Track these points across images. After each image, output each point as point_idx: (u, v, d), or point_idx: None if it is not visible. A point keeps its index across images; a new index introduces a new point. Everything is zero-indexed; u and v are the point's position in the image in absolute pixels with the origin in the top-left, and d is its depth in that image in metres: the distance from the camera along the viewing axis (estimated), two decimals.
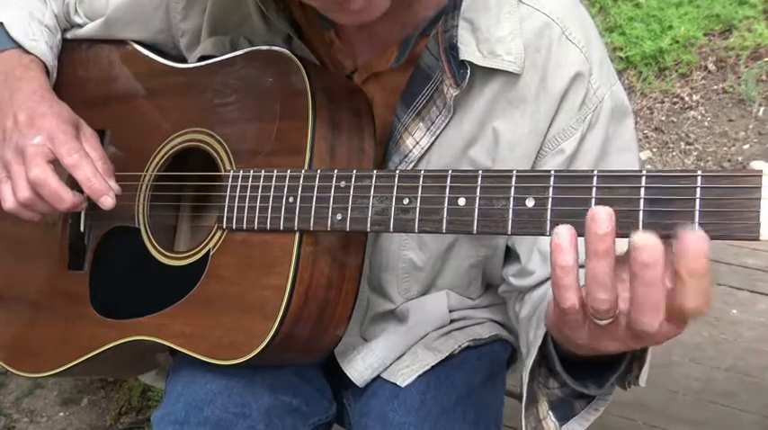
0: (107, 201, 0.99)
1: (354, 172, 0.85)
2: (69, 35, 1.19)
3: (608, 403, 0.88)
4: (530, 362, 0.85)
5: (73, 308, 1.10)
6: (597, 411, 0.88)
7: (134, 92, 1.13)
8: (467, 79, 0.90)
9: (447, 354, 1.09)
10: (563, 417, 0.87)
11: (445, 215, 0.78)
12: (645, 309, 0.62)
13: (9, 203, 1.00)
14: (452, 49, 0.91)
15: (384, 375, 1.08)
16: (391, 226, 0.82)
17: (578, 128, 0.94)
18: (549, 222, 0.71)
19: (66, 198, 0.98)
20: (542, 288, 0.97)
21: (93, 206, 1.03)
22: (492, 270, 1.08)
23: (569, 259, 0.63)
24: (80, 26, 1.18)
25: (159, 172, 1.05)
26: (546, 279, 0.97)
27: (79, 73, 1.18)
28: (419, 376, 1.06)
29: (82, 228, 1.12)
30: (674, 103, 2.63)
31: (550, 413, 0.87)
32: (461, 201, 0.77)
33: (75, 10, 1.16)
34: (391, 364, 1.09)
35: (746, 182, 0.64)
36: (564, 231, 0.63)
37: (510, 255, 1.03)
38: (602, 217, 0.61)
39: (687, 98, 2.61)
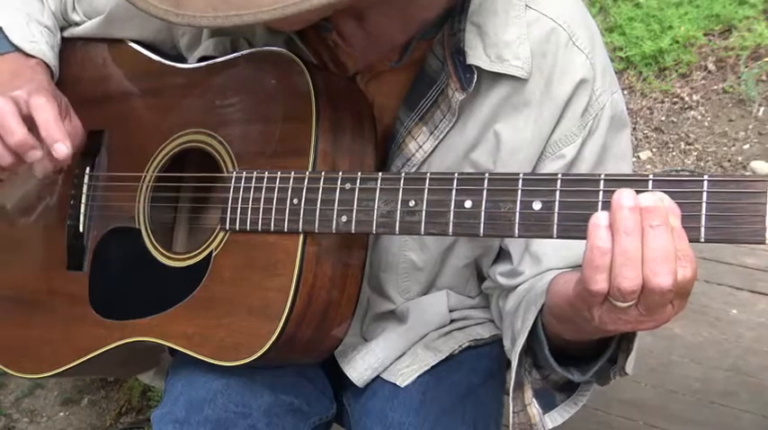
0: (61, 149, 0.96)
1: (359, 174, 0.85)
2: (66, 33, 1.18)
3: (586, 398, 0.93)
4: (518, 348, 0.88)
5: (72, 308, 1.10)
6: (576, 405, 0.93)
7: (134, 92, 1.12)
8: (473, 84, 0.91)
9: (447, 354, 1.09)
10: (545, 406, 0.91)
11: (452, 217, 0.78)
12: (660, 266, 0.65)
13: None
14: (459, 53, 0.91)
15: (384, 375, 1.08)
16: (397, 228, 0.82)
17: (579, 134, 0.94)
18: (555, 225, 0.72)
19: (18, 131, 0.94)
20: (529, 281, 0.98)
21: (92, 207, 1.03)
22: (482, 267, 1.09)
23: (606, 239, 0.66)
24: (77, 24, 1.17)
25: (160, 173, 1.05)
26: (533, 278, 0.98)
27: (77, 72, 1.17)
28: (419, 376, 1.07)
29: (81, 229, 1.11)
30: (674, 103, 2.63)
31: (534, 400, 0.90)
32: (468, 204, 0.77)
33: (74, 8, 1.16)
34: (391, 364, 1.09)
35: (753, 187, 0.65)
36: (601, 213, 0.66)
37: (501, 254, 1.04)
38: (628, 193, 0.65)
39: (687, 98, 2.61)
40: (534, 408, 0.90)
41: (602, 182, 0.70)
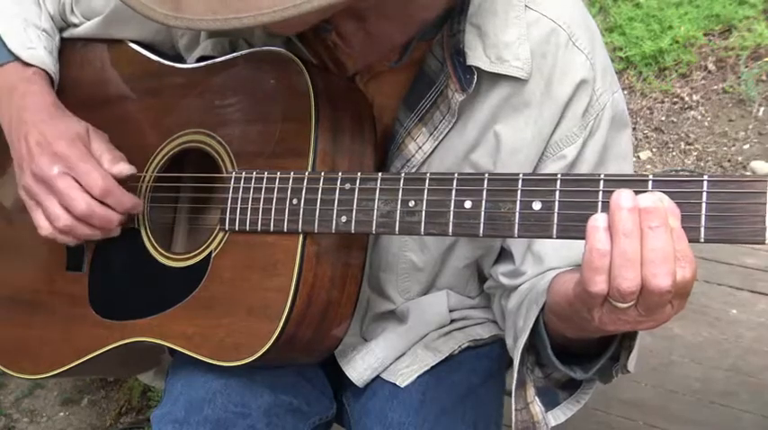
0: (139, 207, 1.02)
1: (359, 174, 0.85)
2: (65, 34, 1.18)
3: (589, 396, 0.93)
4: (520, 346, 0.88)
5: (72, 309, 1.10)
6: (579, 403, 0.93)
7: (133, 92, 1.12)
8: (473, 85, 0.91)
9: (447, 355, 1.09)
10: (548, 404, 0.92)
11: (451, 218, 0.78)
12: (659, 268, 0.65)
13: (45, 231, 1.00)
14: (458, 54, 0.91)
15: (384, 375, 1.08)
16: (397, 228, 0.82)
17: (580, 134, 0.94)
18: (555, 225, 0.72)
19: (115, 220, 1.00)
20: (531, 280, 0.98)
21: None
22: (483, 267, 1.09)
23: (605, 241, 0.66)
24: (76, 26, 1.16)
25: (159, 173, 1.05)
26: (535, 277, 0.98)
27: (77, 74, 1.17)
28: (419, 376, 1.07)
29: None
30: (674, 103, 2.63)
31: (537, 398, 0.90)
32: (468, 204, 0.77)
33: (72, 10, 1.15)
34: (391, 364, 1.09)
35: (752, 187, 0.65)
36: (600, 215, 0.66)
37: (503, 254, 1.04)
38: (626, 194, 0.65)
39: (687, 98, 2.61)
40: (537, 406, 0.90)
41: (601, 182, 0.70)
